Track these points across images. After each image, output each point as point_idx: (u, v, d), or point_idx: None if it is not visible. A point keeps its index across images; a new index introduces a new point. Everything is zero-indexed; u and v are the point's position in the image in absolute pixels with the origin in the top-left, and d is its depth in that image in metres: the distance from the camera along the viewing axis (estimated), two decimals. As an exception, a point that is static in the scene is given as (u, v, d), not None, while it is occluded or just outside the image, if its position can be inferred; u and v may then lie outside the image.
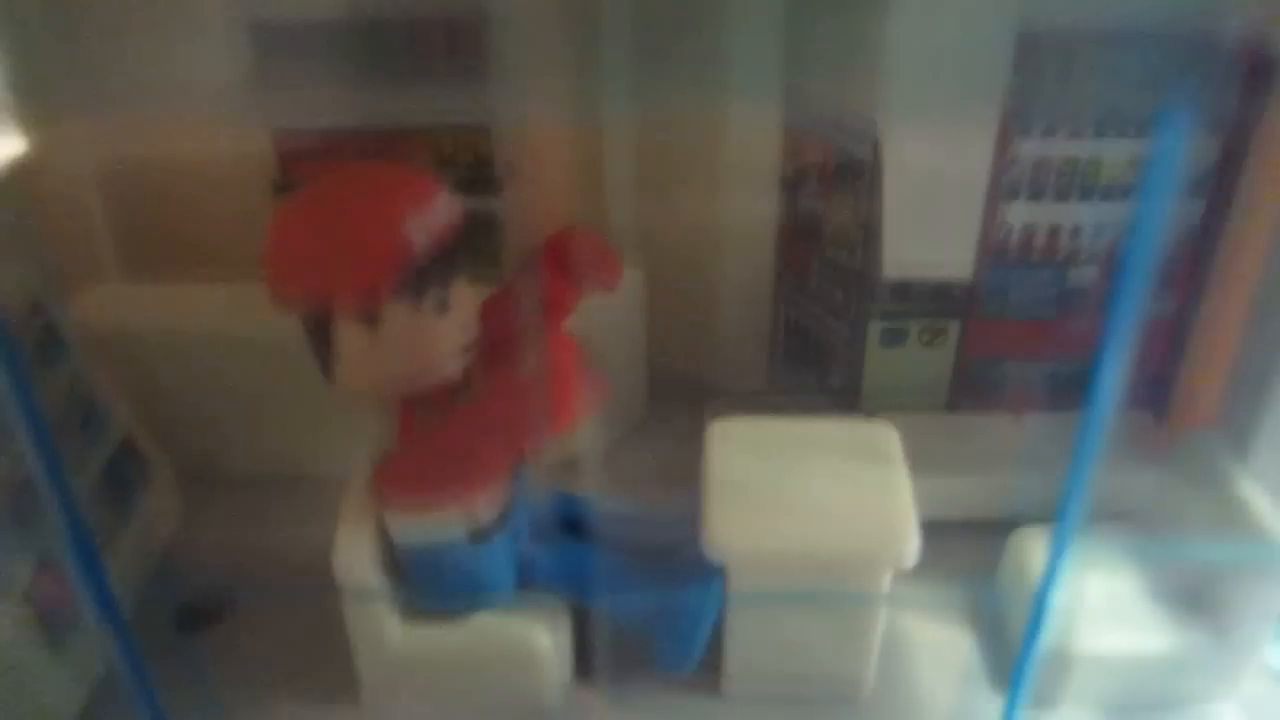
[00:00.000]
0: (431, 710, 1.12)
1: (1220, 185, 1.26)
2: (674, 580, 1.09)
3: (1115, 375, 0.75)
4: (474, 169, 1.50)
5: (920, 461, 1.26)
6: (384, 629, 1.08)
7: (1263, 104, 1.20)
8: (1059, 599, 1.09)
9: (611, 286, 1.08)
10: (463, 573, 1.07)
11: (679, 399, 1.49)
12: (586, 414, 0.98)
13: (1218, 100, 1.21)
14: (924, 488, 1.24)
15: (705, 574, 1.06)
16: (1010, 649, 1.17)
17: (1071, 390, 1.40)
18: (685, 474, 1.17)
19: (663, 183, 1.46)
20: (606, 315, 1.42)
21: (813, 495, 1.06)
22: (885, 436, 1.14)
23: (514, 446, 1.01)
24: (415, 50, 1.44)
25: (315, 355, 0.98)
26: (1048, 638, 1.08)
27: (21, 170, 1.37)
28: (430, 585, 1.08)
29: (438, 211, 0.94)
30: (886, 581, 1.04)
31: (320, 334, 0.96)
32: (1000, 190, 1.26)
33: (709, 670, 1.12)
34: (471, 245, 1.41)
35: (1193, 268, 1.32)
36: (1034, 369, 1.38)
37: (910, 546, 1.01)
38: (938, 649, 1.19)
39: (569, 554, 1.12)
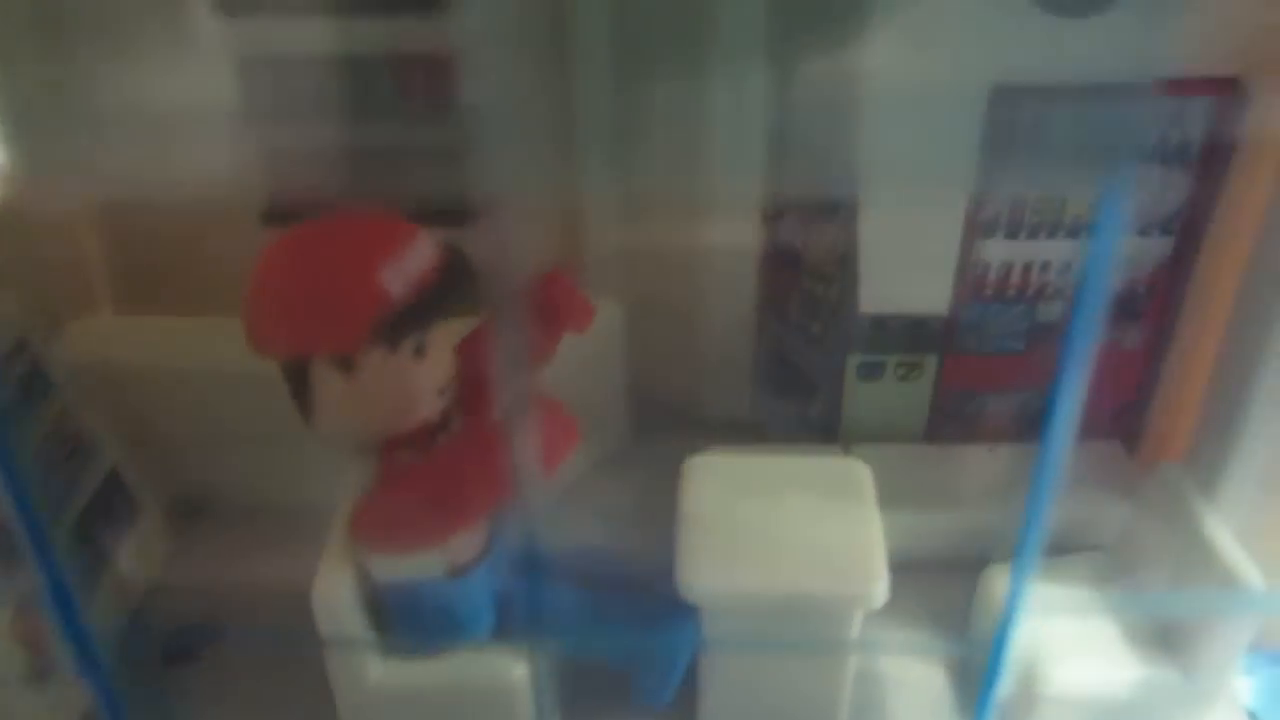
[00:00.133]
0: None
1: (1191, 221, 1.28)
2: (650, 617, 1.11)
3: (1069, 413, 0.77)
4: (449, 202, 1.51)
5: (898, 495, 1.28)
6: (363, 667, 1.09)
7: (1231, 147, 1.22)
8: (1021, 637, 1.11)
9: (585, 329, 1.10)
10: (441, 609, 1.08)
11: (662, 430, 1.51)
12: (563, 462, 1.00)
13: (1185, 139, 1.23)
14: (902, 522, 1.26)
15: (681, 611, 1.08)
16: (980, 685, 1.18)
17: (1039, 420, 1.42)
18: (667, 505, 1.18)
19: (643, 213, 1.48)
20: (586, 346, 1.44)
21: (784, 534, 1.07)
22: (858, 473, 1.16)
23: (493, 491, 1.03)
24: (397, 89, 1.46)
25: (294, 399, 1.00)
26: (1012, 676, 1.10)
27: (9, 208, 1.39)
28: (409, 622, 1.09)
29: (414, 260, 0.95)
30: (857, 621, 1.06)
31: (298, 379, 0.98)
32: (977, 227, 1.28)
33: (686, 705, 1.14)
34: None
35: (1165, 300, 1.34)
36: (1009, 400, 1.40)
37: (879, 587, 1.02)
38: (913, 688, 1.20)
39: (546, 592, 1.13)
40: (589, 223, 1.54)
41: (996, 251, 1.29)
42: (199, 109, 1.46)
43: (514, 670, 1.09)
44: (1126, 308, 1.34)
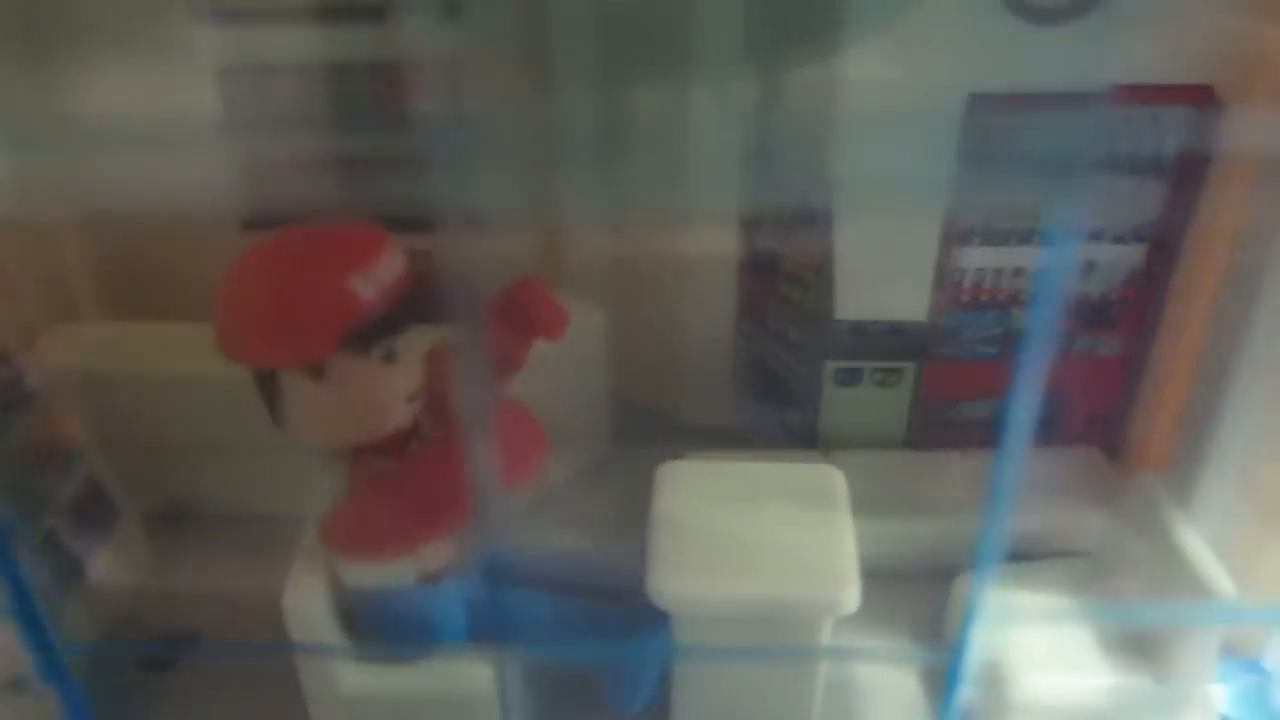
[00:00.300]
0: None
1: (1167, 229, 1.28)
2: (622, 624, 1.11)
3: (1026, 420, 0.77)
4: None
5: (876, 502, 1.28)
6: (336, 674, 1.09)
7: (1206, 155, 1.23)
8: (993, 644, 1.11)
9: (558, 336, 1.10)
10: (413, 616, 1.08)
11: (643, 437, 1.51)
12: (532, 473, 1.00)
13: (1161, 148, 1.23)
14: (879, 529, 1.26)
15: (652, 617, 1.08)
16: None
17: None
18: (646, 512, 1.18)
19: (625, 219, 1.48)
20: (568, 353, 1.44)
21: (755, 540, 1.07)
22: (832, 480, 1.16)
23: (465, 500, 1.03)
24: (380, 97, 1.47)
25: (265, 406, 1.00)
26: (983, 683, 1.10)
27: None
28: (381, 629, 1.09)
29: (383, 268, 0.96)
30: (827, 628, 1.06)
31: (268, 386, 0.98)
32: (954, 234, 1.28)
33: (659, 712, 1.14)
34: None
35: (1142, 308, 1.34)
36: (988, 407, 1.40)
37: (849, 593, 1.02)
38: (886, 695, 1.20)
39: (517, 599, 1.13)
40: (571, 231, 1.55)
41: (973, 258, 1.29)
42: (180, 117, 1.47)
43: (486, 677, 1.09)
44: (1102, 316, 1.34)
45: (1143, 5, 1.14)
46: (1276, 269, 1.08)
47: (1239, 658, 1.21)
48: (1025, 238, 1.29)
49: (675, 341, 1.54)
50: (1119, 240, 1.29)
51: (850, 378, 1.38)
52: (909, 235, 1.27)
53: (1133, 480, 1.21)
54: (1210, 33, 1.17)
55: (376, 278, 0.94)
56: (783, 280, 1.38)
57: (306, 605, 1.05)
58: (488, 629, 1.13)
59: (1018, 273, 1.31)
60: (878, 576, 1.23)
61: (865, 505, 1.28)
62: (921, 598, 1.27)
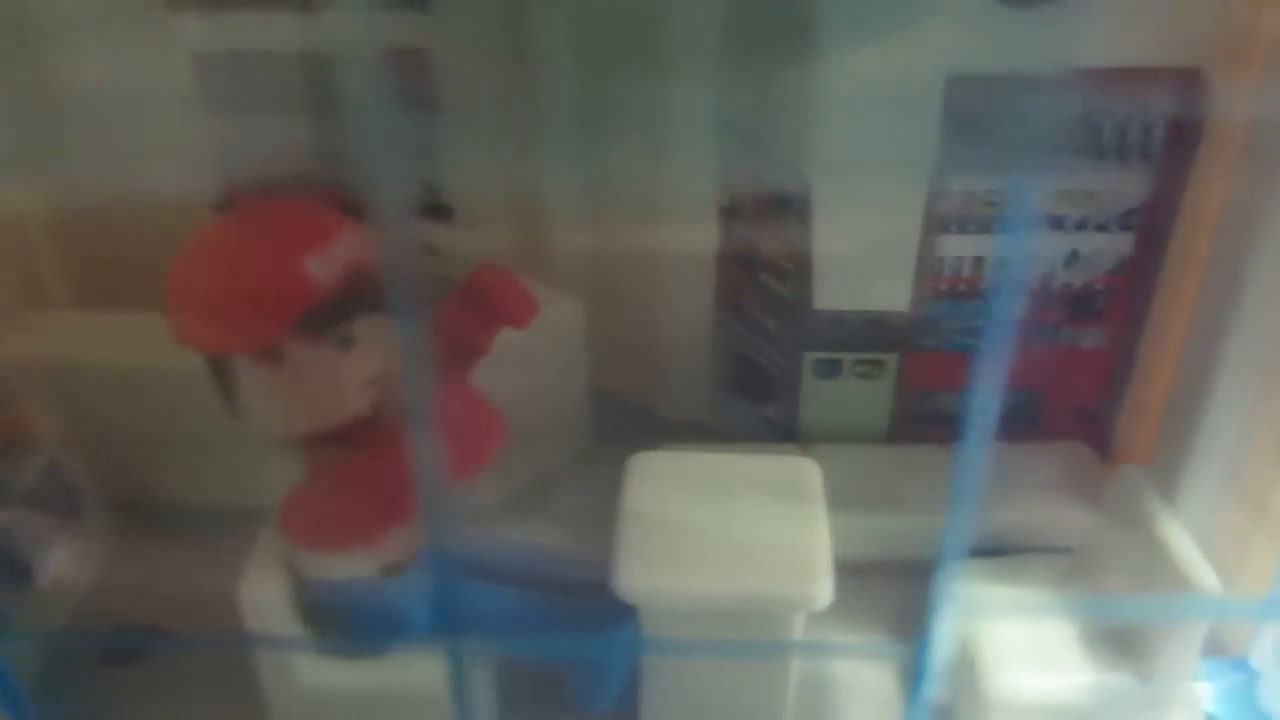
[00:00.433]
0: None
1: (1154, 217, 1.25)
2: (590, 619, 1.08)
3: (987, 413, 0.74)
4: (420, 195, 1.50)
5: (857, 496, 1.25)
6: (294, 668, 1.06)
7: (1194, 141, 1.20)
8: (973, 640, 1.08)
9: (526, 324, 1.07)
10: (373, 609, 1.05)
11: (623, 431, 1.48)
12: (488, 462, 0.97)
13: (1147, 136, 1.20)
14: (861, 524, 1.23)
15: (621, 612, 1.05)
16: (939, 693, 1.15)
17: (1003, 421, 1.39)
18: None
19: (603, 210, 1.46)
20: (546, 345, 1.42)
21: (725, 534, 1.04)
22: (807, 473, 1.13)
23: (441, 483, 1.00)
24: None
25: (219, 393, 0.97)
26: (960, 680, 1.07)
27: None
28: (341, 623, 1.07)
29: (340, 251, 0.93)
30: (799, 624, 1.03)
31: (222, 371, 0.95)
32: (935, 222, 1.25)
33: (629, 708, 1.11)
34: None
35: (1129, 299, 1.31)
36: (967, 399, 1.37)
37: (821, 588, 0.99)
38: (863, 692, 1.18)
39: (484, 593, 1.11)
40: (552, 224, 1.53)
41: (954, 247, 1.27)
42: (154, 103, 1.45)
43: (446, 673, 1.06)
44: (1086, 307, 1.31)
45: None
46: (1260, 258, 1.05)
47: (1226, 657, 1.18)
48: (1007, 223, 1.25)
49: (655, 335, 1.51)
50: (1103, 229, 1.26)
51: (830, 370, 1.35)
52: (889, 223, 1.24)
53: (1115, 474, 1.18)
54: (1198, 15, 1.14)
55: (331, 261, 0.91)
56: (761, 270, 1.35)
57: (264, 598, 1.03)
58: (451, 623, 1.10)
59: (1000, 261, 1.28)
60: (859, 572, 1.21)
61: (846, 500, 1.25)
62: (903, 593, 1.24)
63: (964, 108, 1.16)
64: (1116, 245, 1.27)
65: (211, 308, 0.91)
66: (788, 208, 1.27)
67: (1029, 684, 1.06)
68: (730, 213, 1.36)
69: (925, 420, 1.38)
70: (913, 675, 1.19)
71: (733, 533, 1.05)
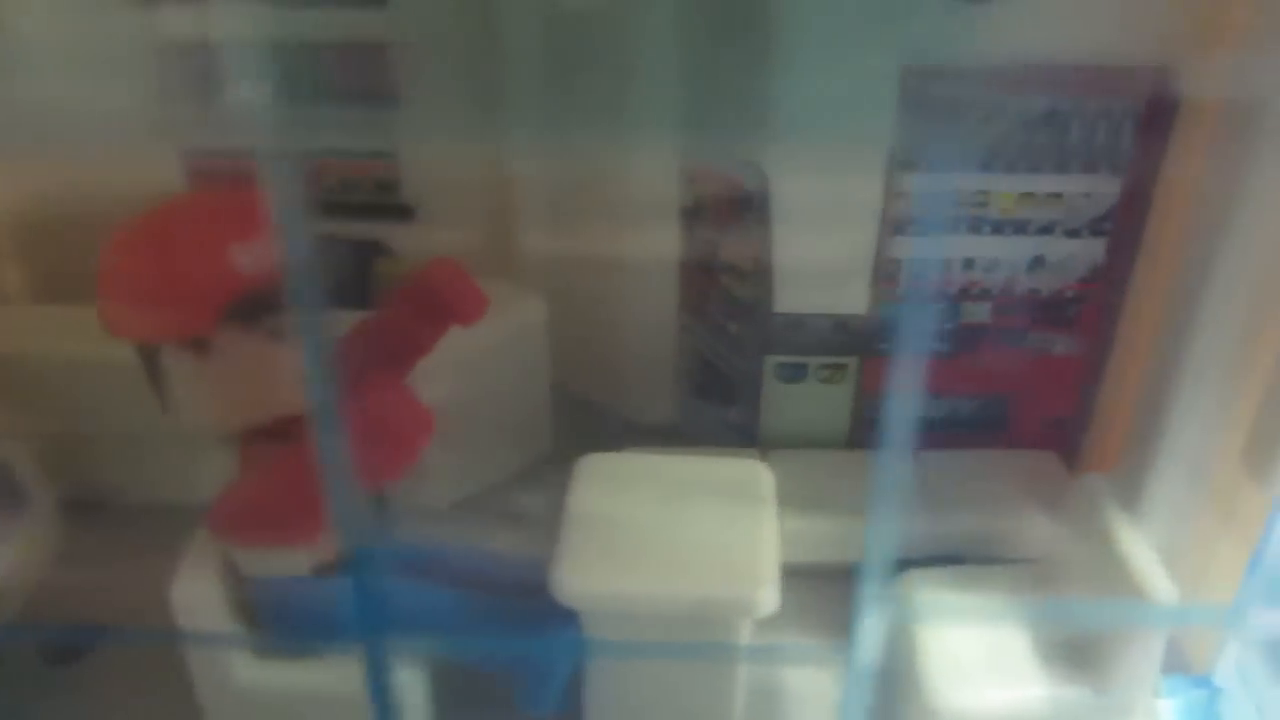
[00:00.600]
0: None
1: (1124, 223, 1.22)
2: (532, 622, 1.06)
3: (905, 418, 0.71)
4: (378, 195, 1.48)
5: (817, 502, 1.23)
6: (229, 668, 1.04)
7: (1164, 142, 1.17)
8: (921, 649, 1.05)
9: (474, 321, 1.05)
10: (308, 608, 1.03)
11: (585, 433, 1.46)
12: (414, 461, 0.95)
13: (1117, 137, 1.18)
14: (819, 529, 1.21)
15: (563, 616, 1.03)
16: (886, 702, 1.13)
17: (969, 428, 1.36)
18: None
19: (566, 209, 1.44)
20: (507, 345, 1.40)
21: (670, 539, 1.02)
22: (758, 477, 1.10)
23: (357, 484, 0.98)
24: (322, 72, 1.44)
25: (150, 386, 0.95)
26: (909, 691, 1.04)
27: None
28: (276, 621, 1.04)
29: (270, 240, 0.91)
30: (745, 629, 1.00)
31: (152, 363, 0.93)
32: (891, 224, 1.23)
33: (573, 713, 1.08)
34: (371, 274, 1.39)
35: (1100, 306, 1.28)
36: (932, 404, 1.35)
37: (764, 595, 0.97)
38: (813, 700, 1.15)
39: (420, 594, 1.08)
40: (516, 223, 1.51)
41: (913, 247, 1.24)
42: (116, 95, 1.44)
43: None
44: (1055, 314, 1.28)
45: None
46: (1222, 257, 1.02)
47: (1188, 675, 1.15)
48: (974, 227, 1.23)
49: (620, 337, 1.49)
50: (1073, 234, 1.24)
51: (793, 373, 1.32)
52: (848, 223, 1.22)
53: (1078, 483, 1.15)
54: (1164, 13, 1.11)
55: (262, 250, 0.90)
56: (722, 273, 1.33)
57: (196, 596, 1.00)
58: (389, 624, 1.07)
59: (968, 264, 1.26)
60: (815, 578, 1.18)
61: (803, 505, 1.23)
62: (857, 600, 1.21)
63: (921, 100, 1.14)
64: (1087, 251, 1.25)
65: (139, 296, 0.90)
66: (747, 208, 1.25)
67: (975, 695, 1.03)
68: (692, 214, 1.34)
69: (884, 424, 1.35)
70: (864, 681, 1.17)
71: (677, 537, 1.03)
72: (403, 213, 1.47)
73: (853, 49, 1.14)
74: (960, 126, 1.21)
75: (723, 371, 1.39)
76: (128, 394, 1.28)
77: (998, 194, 1.21)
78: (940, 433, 1.36)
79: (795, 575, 1.17)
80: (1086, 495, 1.12)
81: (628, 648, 1.01)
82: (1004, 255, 1.25)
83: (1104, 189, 1.20)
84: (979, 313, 1.28)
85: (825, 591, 1.21)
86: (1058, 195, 1.21)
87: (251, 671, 1.05)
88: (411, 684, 1.05)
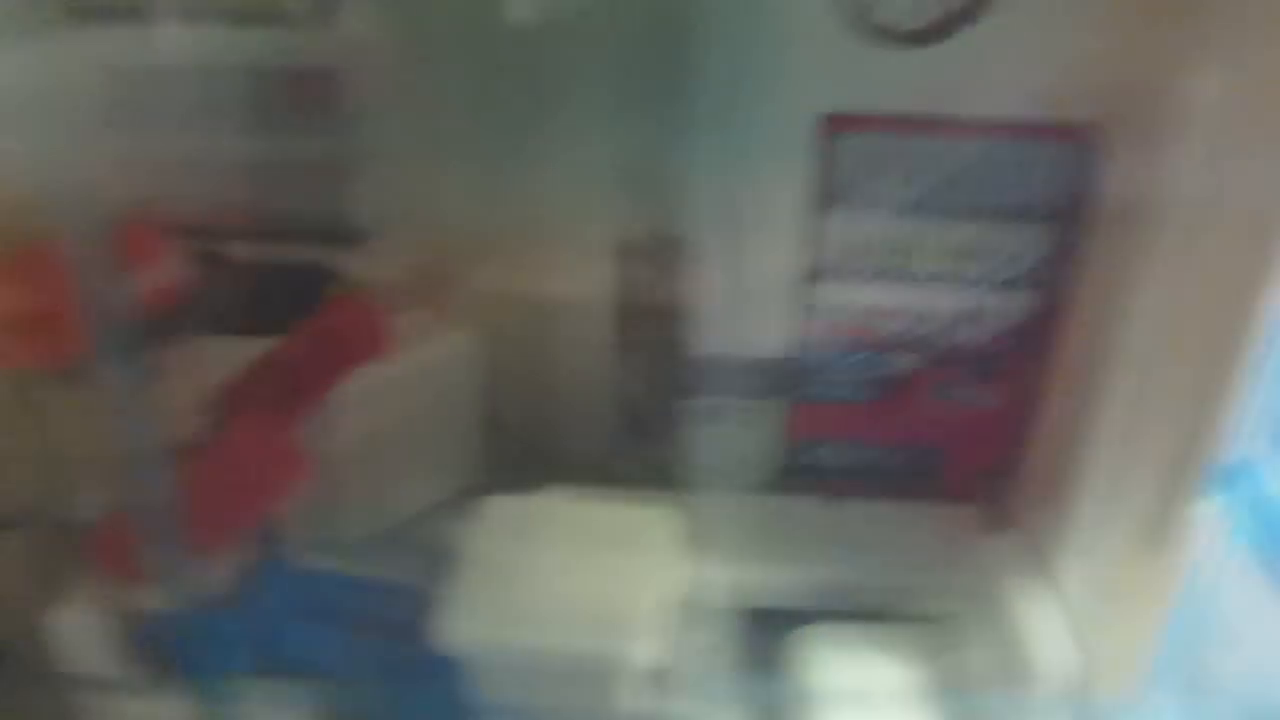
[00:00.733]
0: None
1: (1053, 279, 1.20)
2: (418, 667, 1.04)
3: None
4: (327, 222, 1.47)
5: (739, 547, 1.22)
6: (111, 702, 1.03)
7: (1091, 199, 1.15)
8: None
9: (379, 357, 1.06)
10: (192, 644, 1.02)
11: (519, 470, 1.44)
12: (285, 499, 0.94)
13: (1044, 190, 1.16)
14: (733, 574, 1.20)
15: (447, 663, 1.01)
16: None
17: (900, 478, 1.34)
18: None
19: (506, 244, 1.43)
20: (434, 378, 1.38)
21: (558, 588, 1.01)
22: (662, 524, 1.09)
23: (232, 520, 0.97)
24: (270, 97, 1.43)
25: (29, 416, 0.95)
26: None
27: None
28: (159, 657, 1.03)
29: (150, 273, 0.91)
30: (625, 682, 0.98)
31: (31, 392, 0.93)
32: (813, 270, 1.21)
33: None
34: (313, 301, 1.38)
35: (1030, 362, 1.26)
36: (859, 453, 1.33)
37: (640, 648, 0.95)
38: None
39: (317, 633, 1.07)
40: (458, 255, 1.50)
41: (839, 295, 1.22)
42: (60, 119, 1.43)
43: (266, 714, 1.03)
44: (983, 367, 1.26)
45: (1012, 36, 1.08)
46: (1125, 329, 1.00)
47: None
48: (897, 278, 1.21)
49: (555, 372, 1.47)
50: (1001, 287, 1.21)
51: (714, 415, 1.31)
52: (769, 267, 1.21)
53: (988, 541, 1.13)
54: (1095, 70, 1.09)
55: (143, 282, 0.90)
56: (647, 312, 1.31)
57: (74, 628, 0.99)
58: (281, 662, 1.06)
59: (892, 315, 1.24)
60: (731, 622, 1.17)
61: (723, 550, 1.22)
62: (765, 643, 1.20)
63: (838, 149, 1.13)
64: (1016, 304, 1.23)
65: (15, 324, 0.90)
66: (669, 250, 1.23)
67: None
68: (623, 254, 1.33)
69: (811, 471, 1.34)
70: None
71: (566, 586, 1.01)
72: (350, 238, 1.45)
73: (772, 93, 1.13)
74: (881, 174, 1.20)
75: (647, 411, 1.38)
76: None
77: (922, 244, 1.19)
78: (869, 481, 1.34)
79: (712, 619, 1.16)
80: (997, 554, 1.10)
81: (513, 703, 1.00)
82: (929, 306, 1.23)
83: (1031, 243, 1.18)
84: (905, 363, 1.26)
85: (736, 637, 1.20)
86: (984, 247, 1.19)
87: (137, 708, 1.04)
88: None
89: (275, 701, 1.04)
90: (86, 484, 1.04)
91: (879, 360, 1.26)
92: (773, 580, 1.23)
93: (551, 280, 1.37)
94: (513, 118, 1.29)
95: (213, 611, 1.01)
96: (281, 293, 1.34)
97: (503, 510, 1.12)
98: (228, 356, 1.05)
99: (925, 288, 1.22)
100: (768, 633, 1.19)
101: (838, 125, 1.13)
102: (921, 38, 1.08)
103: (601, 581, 1.01)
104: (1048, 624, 1.02)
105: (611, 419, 1.45)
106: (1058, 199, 1.16)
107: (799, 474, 1.35)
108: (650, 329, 1.32)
